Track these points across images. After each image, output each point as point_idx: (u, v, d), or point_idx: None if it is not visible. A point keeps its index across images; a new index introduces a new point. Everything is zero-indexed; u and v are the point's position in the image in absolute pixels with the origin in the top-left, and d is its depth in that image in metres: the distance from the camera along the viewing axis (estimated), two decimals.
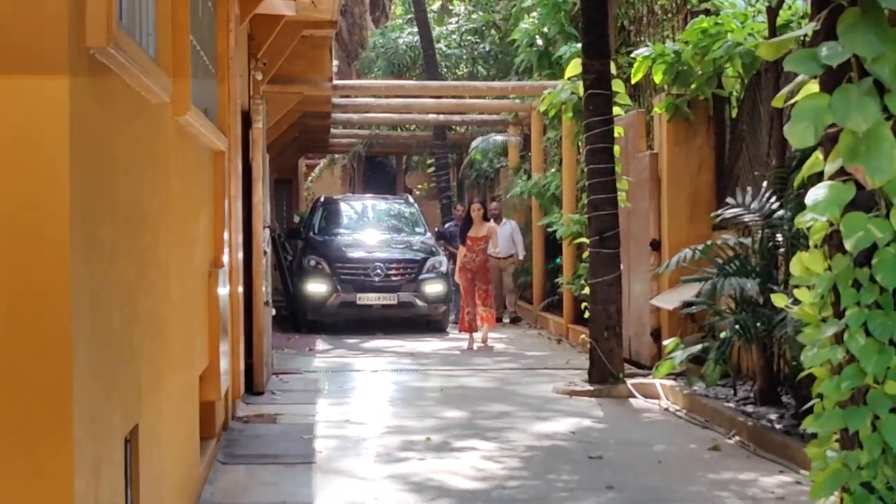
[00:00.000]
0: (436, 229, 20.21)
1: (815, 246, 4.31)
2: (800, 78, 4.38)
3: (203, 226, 6.71)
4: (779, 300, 5.00)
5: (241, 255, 9.16)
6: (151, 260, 4.51)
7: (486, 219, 15.02)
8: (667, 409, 9.73)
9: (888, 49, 3.97)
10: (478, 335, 14.81)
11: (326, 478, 6.99)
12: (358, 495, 6.57)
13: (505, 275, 18.47)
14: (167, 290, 4.96)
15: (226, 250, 7.64)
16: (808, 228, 4.36)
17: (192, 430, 6.07)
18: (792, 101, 4.30)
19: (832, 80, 4.10)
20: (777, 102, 4.55)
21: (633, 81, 11.95)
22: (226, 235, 7.66)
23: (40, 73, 3.01)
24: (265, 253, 10.60)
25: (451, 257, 17.48)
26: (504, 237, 17.65)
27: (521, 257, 18.37)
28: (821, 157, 4.30)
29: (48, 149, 3.03)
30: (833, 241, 4.21)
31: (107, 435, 3.53)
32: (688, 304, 9.64)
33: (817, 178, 4.32)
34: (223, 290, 7.25)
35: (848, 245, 4.01)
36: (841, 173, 4.08)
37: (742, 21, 10.49)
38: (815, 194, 4.09)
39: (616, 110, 11.31)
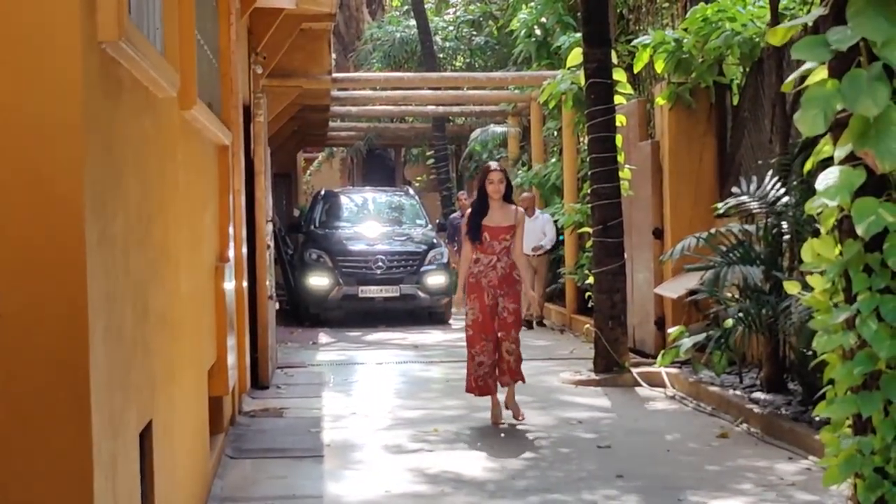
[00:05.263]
0: (437, 221, 20.18)
1: (826, 232, 4.31)
2: (807, 64, 4.36)
3: (209, 220, 6.71)
4: (791, 287, 4.99)
5: (244, 249, 9.16)
6: (162, 255, 4.50)
7: (507, 199, 8.60)
8: (673, 398, 9.73)
9: None
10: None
11: (335, 471, 7.00)
12: (368, 487, 6.57)
13: (538, 275, 15.56)
14: (177, 285, 4.96)
15: (231, 245, 7.64)
16: (818, 214, 4.35)
17: (202, 425, 6.06)
18: (797, 88, 4.29)
19: (841, 65, 4.09)
20: (786, 87, 4.54)
21: (635, 70, 11.93)
22: (231, 230, 7.65)
23: (52, 68, 3.00)
24: (268, 247, 10.60)
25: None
26: (537, 230, 15.40)
27: (544, 245, 15.55)
28: (829, 143, 4.29)
29: (61, 144, 3.01)
30: (844, 227, 4.20)
31: (123, 431, 3.53)
32: (692, 293, 9.65)
33: (825, 164, 4.31)
34: (229, 285, 7.24)
35: (859, 230, 3.99)
36: (851, 158, 4.07)
37: (743, 6, 10.48)
38: (825, 179, 4.08)
39: (617, 99, 11.30)
